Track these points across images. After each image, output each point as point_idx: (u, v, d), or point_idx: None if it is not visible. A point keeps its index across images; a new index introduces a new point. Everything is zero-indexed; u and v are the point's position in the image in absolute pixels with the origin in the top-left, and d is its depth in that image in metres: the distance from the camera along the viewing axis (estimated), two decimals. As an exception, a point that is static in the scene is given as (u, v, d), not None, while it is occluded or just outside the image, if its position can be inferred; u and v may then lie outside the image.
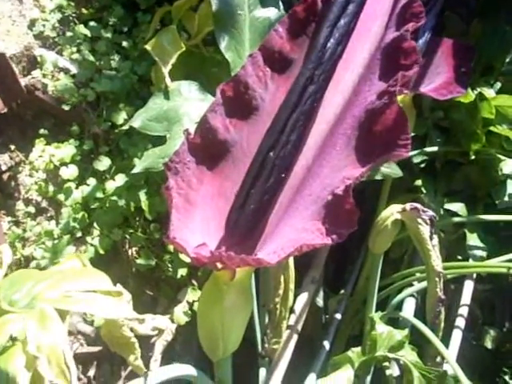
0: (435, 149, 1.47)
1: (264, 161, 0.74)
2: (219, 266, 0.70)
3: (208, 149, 0.78)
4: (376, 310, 1.22)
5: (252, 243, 0.77)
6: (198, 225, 0.76)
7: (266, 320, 1.19)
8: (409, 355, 1.03)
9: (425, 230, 1.06)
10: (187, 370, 0.76)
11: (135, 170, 0.99)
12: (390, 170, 1.07)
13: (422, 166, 1.50)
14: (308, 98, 0.74)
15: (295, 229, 0.71)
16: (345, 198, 0.67)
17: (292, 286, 1.07)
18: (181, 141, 0.77)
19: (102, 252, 1.18)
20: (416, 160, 1.48)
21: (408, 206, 1.06)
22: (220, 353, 0.80)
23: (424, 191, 1.46)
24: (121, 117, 1.23)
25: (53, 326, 0.53)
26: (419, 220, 1.06)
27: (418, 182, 1.48)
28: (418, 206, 1.06)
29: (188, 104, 1.04)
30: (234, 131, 0.79)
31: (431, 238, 1.08)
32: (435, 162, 1.51)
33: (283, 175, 0.75)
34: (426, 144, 1.49)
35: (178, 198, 0.75)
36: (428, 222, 1.07)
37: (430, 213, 1.08)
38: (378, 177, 1.07)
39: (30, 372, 0.50)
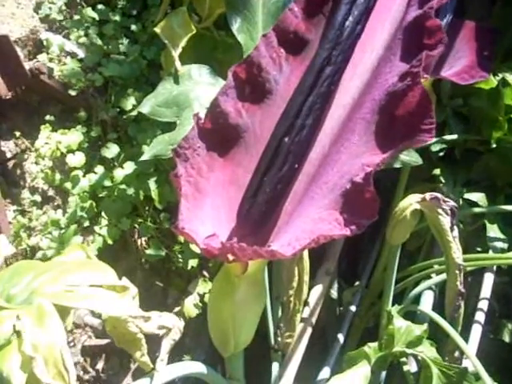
0: (454, 137, 1.42)
1: (278, 147, 0.70)
2: (230, 258, 0.66)
3: (219, 134, 0.74)
4: (392, 304, 1.18)
5: (265, 234, 0.73)
6: (208, 214, 0.72)
7: (279, 313, 1.17)
8: (428, 351, 0.99)
9: (445, 220, 1.03)
10: (196, 367, 0.73)
11: (144, 158, 0.95)
12: (410, 157, 1.02)
13: (441, 154, 1.45)
14: (325, 80, 0.70)
15: (311, 219, 0.67)
16: (365, 186, 0.63)
17: (306, 277, 1.05)
18: (191, 127, 0.73)
19: (110, 242, 1.14)
20: (434, 148, 1.43)
21: (428, 195, 1.02)
22: (231, 348, 0.77)
23: (443, 181, 1.42)
24: (129, 102, 1.19)
25: (51, 324, 0.50)
26: (439, 210, 1.02)
27: (437, 172, 1.44)
28: (439, 195, 1.02)
29: (199, 88, 1.00)
30: (247, 115, 0.75)
31: (452, 229, 1.05)
32: (454, 150, 1.46)
33: (298, 162, 0.71)
34: (444, 132, 1.44)
35: (188, 186, 0.71)
36: (449, 212, 1.03)
37: (451, 203, 1.04)
38: (397, 165, 1.03)
39: (26, 373, 0.46)
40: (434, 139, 1.42)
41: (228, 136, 0.75)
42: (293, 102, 0.71)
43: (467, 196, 1.38)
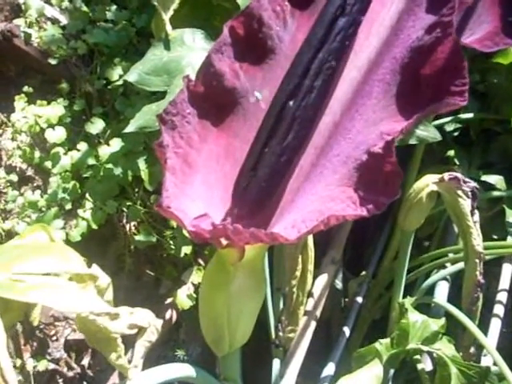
0: (470, 116, 1.34)
1: (282, 112, 0.59)
2: (224, 242, 0.56)
3: (213, 99, 0.64)
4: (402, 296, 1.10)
5: (265, 215, 0.63)
6: (199, 192, 0.62)
7: (281, 305, 1.08)
8: (446, 348, 0.90)
9: (465, 203, 0.94)
10: (181, 370, 0.62)
11: (128, 129, 0.85)
12: (427, 133, 0.92)
13: (456, 134, 1.37)
14: (338, 34, 0.59)
15: (319, 197, 0.57)
16: (385, 157, 0.53)
17: (311, 267, 0.97)
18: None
19: (94, 226, 1.04)
20: (449, 128, 1.35)
21: (447, 175, 0.93)
22: (226, 347, 0.67)
23: (457, 163, 1.34)
24: (116, 73, 1.08)
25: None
26: (459, 192, 0.93)
27: (451, 153, 1.36)
28: (459, 175, 0.93)
29: (192, 54, 0.89)
30: (245, 78, 0.65)
31: (472, 214, 0.96)
32: (470, 130, 1.38)
33: (305, 131, 0.60)
34: (459, 111, 1.35)
35: (175, 159, 0.61)
36: (469, 194, 0.94)
37: (472, 183, 0.94)
38: (413, 141, 0.92)
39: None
40: (448, 118, 1.33)
41: (223, 101, 0.64)
42: (299, 58, 0.60)
43: (484, 179, 1.30)
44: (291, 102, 0.59)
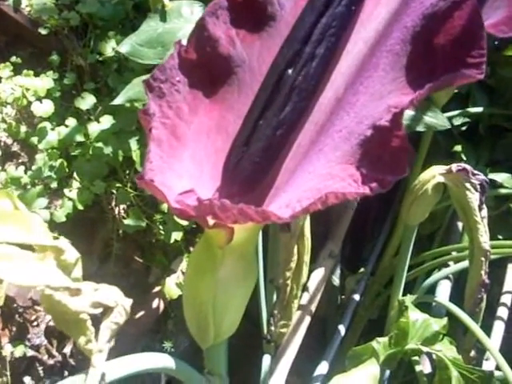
0: (479, 110, 1.30)
1: (279, 81, 0.54)
2: (211, 221, 0.51)
3: (206, 67, 0.58)
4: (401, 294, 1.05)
5: (258, 195, 0.58)
6: (187, 168, 0.57)
7: (274, 298, 1.03)
8: (447, 350, 0.85)
9: (473, 197, 0.89)
10: (159, 360, 0.57)
11: (116, 101, 0.80)
12: (436, 120, 0.86)
13: (463, 129, 1.32)
14: (344, -4, 0.54)
15: (317, 175, 0.52)
16: (392, 130, 0.47)
17: (307, 258, 0.92)
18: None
19: (80, 207, 0.99)
20: (456, 122, 1.30)
21: (455, 166, 0.88)
22: (210, 338, 0.62)
23: (464, 158, 1.29)
24: (109, 46, 1.03)
25: None
26: (467, 185, 0.88)
27: (458, 148, 1.32)
28: (468, 167, 0.88)
29: (189, 26, 0.84)
30: (242, 46, 0.59)
31: (480, 208, 0.91)
32: (478, 125, 1.33)
33: (304, 103, 0.55)
34: (468, 104, 1.30)
35: (162, 130, 0.56)
36: (478, 187, 0.89)
37: (481, 176, 0.90)
38: (420, 128, 0.87)
39: None
40: (455, 112, 1.28)
41: (217, 70, 0.59)
42: (301, 22, 0.55)
43: (491, 176, 1.25)
44: (290, 71, 0.54)
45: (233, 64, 0.59)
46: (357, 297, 1.29)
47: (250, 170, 0.56)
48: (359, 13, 0.57)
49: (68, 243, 0.44)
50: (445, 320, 0.87)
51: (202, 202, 0.48)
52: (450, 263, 1.16)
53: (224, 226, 0.52)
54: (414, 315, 0.86)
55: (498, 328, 1.08)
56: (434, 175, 0.89)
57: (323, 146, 0.55)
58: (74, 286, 0.40)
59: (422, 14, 0.54)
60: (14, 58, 1.02)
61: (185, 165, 0.57)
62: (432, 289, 1.15)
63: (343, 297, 1.38)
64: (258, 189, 0.57)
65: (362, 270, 1.38)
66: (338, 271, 1.37)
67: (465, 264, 1.09)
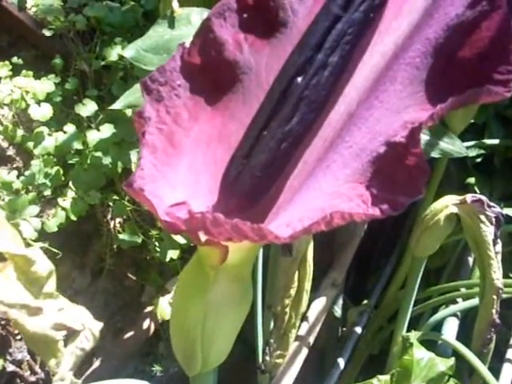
0: (495, 142, 1.26)
1: (287, 89, 0.50)
2: (203, 237, 0.46)
3: (209, 72, 0.54)
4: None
5: (258, 212, 0.53)
6: (182, 177, 0.52)
7: (271, 326, 0.98)
8: (453, 393, 0.79)
9: (488, 230, 0.85)
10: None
11: (116, 106, 0.76)
12: (453, 146, 0.81)
13: (478, 161, 1.29)
14: (362, 1, 0.49)
15: (323, 193, 0.47)
16: (408, 147, 0.43)
17: (308, 286, 0.88)
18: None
19: (73, 218, 0.94)
20: (471, 153, 1.26)
21: (469, 197, 0.83)
22: (197, 365, 0.57)
23: (477, 191, 1.24)
24: (115, 52, 0.99)
25: None
26: (482, 217, 0.84)
27: (471, 180, 1.27)
28: (483, 198, 0.83)
29: (197, 35, 0.80)
30: (250, 52, 0.55)
31: (495, 243, 0.86)
32: (493, 157, 1.30)
33: (313, 115, 0.51)
34: (484, 136, 1.26)
35: (157, 136, 0.51)
36: (493, 220, 0.85)
37: (497, 209, 0.85)
38: (435, 154, 0.82)
39: None
40: (471, 142, 1.24)
41: (221, 76, 0.55)
42: (314, 27, 0.50)
43: (505, 211, 1.19)
44: (299, 79, 0.49)
45: (239, 71, 0.55)
46: (358, 330, 1.25)
47: (251, 184, 0.51)
48: (378, 22, 0.53)
49: (41, 253, 0.39)
50: (452, 360, 0.81)
51: (194, 215, 0.43)
52: (459, 300, 1.11)
53: (217, 244, 0.47)
54: (419, 353, 0.81)
55: (507, 371, 1.02)
56: (446, 205, 0.85)
57: (331, 162, 0.50)
58: (34, 304, 0.35)
59: (446, 25, 0.50)
60: (15, 59, 0.99)
61: (180, 175, 0.53)
62: (437, 326, 1.10)
63: (344, 329, 1.34)
64: (258, 206, 0.53)
65: (365, 301, 1.33)
66: (340, 302, 1.33)
67: (474, 301, 1.04)
